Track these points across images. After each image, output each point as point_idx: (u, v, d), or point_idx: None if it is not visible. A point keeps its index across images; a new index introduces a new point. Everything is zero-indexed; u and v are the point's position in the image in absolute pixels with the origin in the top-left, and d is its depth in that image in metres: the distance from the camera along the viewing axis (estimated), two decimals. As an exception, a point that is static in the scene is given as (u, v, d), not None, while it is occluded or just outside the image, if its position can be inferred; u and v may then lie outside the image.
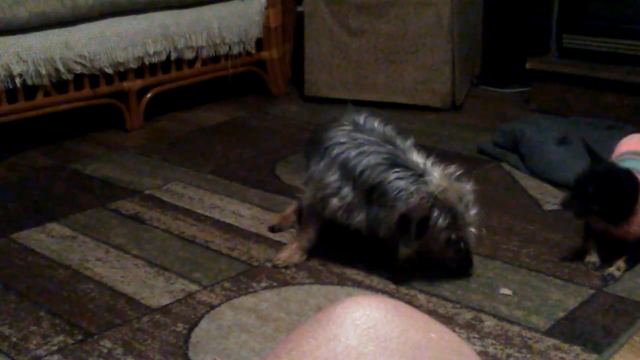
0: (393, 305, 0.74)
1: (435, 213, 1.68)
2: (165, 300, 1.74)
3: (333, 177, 1.78)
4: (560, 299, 1.71)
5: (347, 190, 1.77)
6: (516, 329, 1.59)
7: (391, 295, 1.74)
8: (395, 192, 1.69)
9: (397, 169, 1.71)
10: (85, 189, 2.46)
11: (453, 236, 1.72)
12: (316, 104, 3.30)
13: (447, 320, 1.62)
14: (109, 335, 1.61)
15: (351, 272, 1.85)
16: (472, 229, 1.74)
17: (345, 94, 3.22)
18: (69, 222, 2.18)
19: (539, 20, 3.44)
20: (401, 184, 1.69)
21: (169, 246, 2.02)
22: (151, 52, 3.01)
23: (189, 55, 3.17)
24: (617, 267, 1.78)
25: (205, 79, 3.30)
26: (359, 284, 1.80)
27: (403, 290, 1.76)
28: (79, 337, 1.61)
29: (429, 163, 1.75)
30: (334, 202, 1.78)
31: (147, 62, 3.02)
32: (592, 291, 1.73)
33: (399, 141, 1.79)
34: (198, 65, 3.23)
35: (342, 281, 1.81)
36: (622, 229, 1.80)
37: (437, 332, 0.74)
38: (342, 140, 1.79)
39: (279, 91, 3.55)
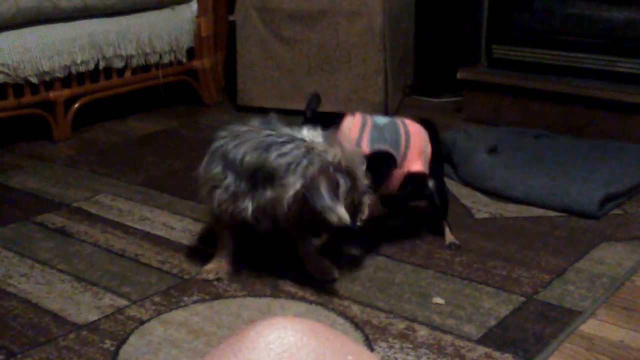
0: (309, 328, 0.72)
1: (341, 178, 1.66)
2: (93, 317, 1.69)
3: (216, 170, 1.75)
4: (492, 307, 1.72)
5: (230, 180, 1.73)
6: (449, 338, 1.60)
7: (325, 306, 1.72)
8: (285, 168, 1.65)
9: (277, 147, 1.67)
10: (9, 202, 2.38)
11: (356, 197, 1.71)
12: (249, 114, 3.26)
13: (381, 331, 1.62)
14: (32, 354, 1.55)
15: (284, 284, 1.83)
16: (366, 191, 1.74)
17: (278, 103, 3.20)
18: (-9, 236, 2.11)
19: (469, 30, 3.48)
20: (287, 159, 1.65)
21: (97, 260, 1.96)
22: (78, 61, 2.94)
23: (118, 64, 3.11)
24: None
25: (136, 88, 3.24)
26: (292, 296, 1.78)
27: (336, 300, 1.75)
28: (1, 357, 1.54)
29: (315, 135, 1.72)
30: (218, 193, 1.75)
31: (74, 71, 2.95)
32: (522, 299, 1.75)
33: (280, 124, 1.76)
34: (128, 74, 3.17)
35: (275, 293, 1.79)
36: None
37: (355, 354, 0.72)
38: (222, 134, 1.78)
39: (212, 101, 3.51)
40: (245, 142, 1.72)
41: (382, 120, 1.96)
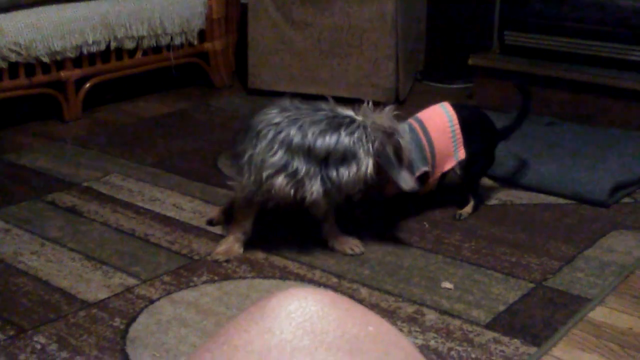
0: (330, 298, 0.71)
1: (401, 139, 1.81)
2: (103, 295, 1.70)
3: (276, 157, 1.76)
4: (501, 292, 1.72)
5: (296, 165, 1.75)
6: (457, 322, 1.60)
7: (334, 289, 1.73)
8: (356, 146, 1.75)
9: (345, 127, 1.76)
10: (20, 180, 2.39)
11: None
12: (259, 97, 3.26)
13: (389, 314, 1.62)
14: (43, 330, 1.56)
15: (294, 266, 1.83)
16: None
17: (289, 87, 3.20)
18: (2, 214, 2.11)
19: (481, 16, 3.46)
20: (355, 138, 1.76)
21: (107, 239, 1.97)
22: (90, 41, 2.94)
23: (130, 45, 3.10)
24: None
25: (147, 69, 3.24)
26: (301, 278, 1.78)
27: (345, 284, 1.75)
28: (11, 333, 1.55)
29: (358, 111, 1.82)
30: (280, 180, 1.76)
31: (85, 52, 2.95)
32: (531, 285, 1.75)
33: (324, 105, 1.84)
34: (139, 55, 3.17)
35: (284, 275, 1.79)
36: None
37: (375, 325, 0.72)
38: (276, 120, 1.78)
39: (222, 83, 3.51)
40: (310, 125, 1.76)
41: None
